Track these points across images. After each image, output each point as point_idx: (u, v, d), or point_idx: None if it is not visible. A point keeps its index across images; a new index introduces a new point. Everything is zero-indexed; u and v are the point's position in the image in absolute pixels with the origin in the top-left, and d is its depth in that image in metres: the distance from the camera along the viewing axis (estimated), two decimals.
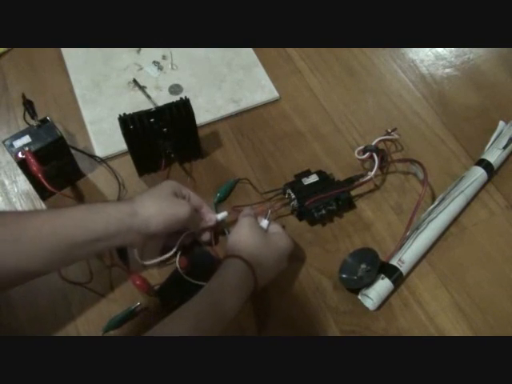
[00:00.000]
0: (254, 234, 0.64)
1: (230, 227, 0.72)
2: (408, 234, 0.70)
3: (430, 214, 0.72)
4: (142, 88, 0.87)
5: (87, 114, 0.84)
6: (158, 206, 0.62)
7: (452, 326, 0.65)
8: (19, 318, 0.65)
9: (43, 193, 0.74)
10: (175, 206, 0.63)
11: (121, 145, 0.75)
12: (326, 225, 0.74)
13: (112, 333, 0.63)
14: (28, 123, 0.72)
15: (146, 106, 0.81)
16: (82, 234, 0.57)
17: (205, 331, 0.55)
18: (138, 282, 0.66)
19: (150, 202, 0.62)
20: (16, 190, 0.77)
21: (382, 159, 0.75)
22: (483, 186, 0.76)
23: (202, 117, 0.82)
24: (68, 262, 0.61)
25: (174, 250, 0.67)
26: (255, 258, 0.61)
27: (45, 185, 0.68)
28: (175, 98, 0.73)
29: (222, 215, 0.71)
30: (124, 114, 0.70)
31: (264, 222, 0.67)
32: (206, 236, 0.70)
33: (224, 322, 0.57)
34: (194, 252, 0.69)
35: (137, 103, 0.84)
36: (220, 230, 0.72)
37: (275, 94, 0.87)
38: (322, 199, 0.71)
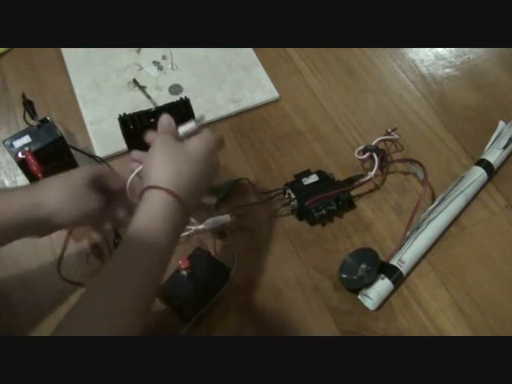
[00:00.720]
0: (171, 153, 0.55)
1: (231, 228, 0.72)
2: (408, 234, 0.70)
3: (429, 214, 0.72)
4: (142, 88, 0.87)
5: (87, 114, 0.84)
6: (66, 199, 0.56)
7: (452, 326, 0.65)
8: (19, 319, 0.65)
9: None
10: (84, 202, 0.57)
11: (121, 145, 0.75)
12: (326, 225, 0.74)
13: None
14: (28, 123, 0.72)
15: (146, 106, 0.81)
16: None
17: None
18: None
19: (58, 193, 0.56)
20: None
21: (382, 159, 0.76)
22: (483, 186, 0.76)
23: None
24: None
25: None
26: (180, 184, 0.53)
27: None
28: (175, 98, 0.73)
29: (223, 218, 0.71)
30: (124, 113, 0.70)
31: (182, 129, 0.59)
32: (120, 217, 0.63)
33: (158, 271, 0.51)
34: (195, 253, 0.69)
35: (137, 103, 0.84)
36: (220, 230, 0.72)
37: (275, 94, 0.87)
38: (322, 199, 0.71)
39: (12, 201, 0.55)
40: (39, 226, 0.57)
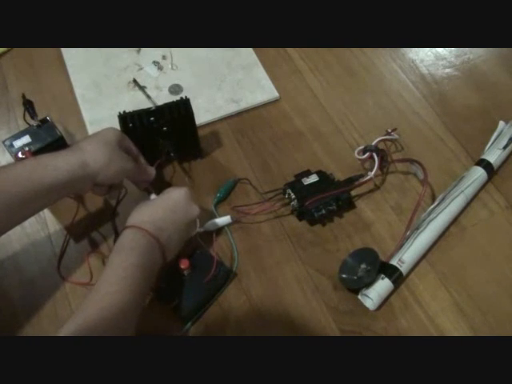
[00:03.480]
0: (145, 202, 0.65)
1: (231, 228, 0.72)
2: (408, 233, 0.70)
3: (430, 214, 0.72)
4: (142, 88, 0.87)
5: (87, 114, 0.84)
6: (107, 158, 0.63)
7: (452, 326, 0.65)
8: (19, 318, 0.65)
9: None
10: (122, 160, 0.65)
11: None
12: (326, 225, 0.74)
13: None
14: (28, 123, 0.72)
15: (145, 105, 0.80)
16: (32, 189, 0.58)
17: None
18: None
19: (99, 152, 0.62)
20: None
21: (382, 159, 0.75)
22: (483, 186, 0.76)
23: (202, 117, 0.82)
24: (25, 217, 0.62)
25: (199, 229, 0.68)
26: (157, 222, 0.61)
27: None
28: (175, 98, 0.73)
29: (224, 220, 0.72)
30: (124, 111, 0.70)
31: (152, 196, 0.70)
32: (143, 185, 0.72)
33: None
34: (195, 253, 0.69)
35: (137, 103, 0.84)
36: (220, 230, 0.72)
37: (275, 94, 0.87)
38: (322, 199, 0.71)
39: (62, 159, 0.60)
40: (85, 184, 0.63)
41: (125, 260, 0.57)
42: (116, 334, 0.52)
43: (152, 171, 0.71)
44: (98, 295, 0.54)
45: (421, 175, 0.75)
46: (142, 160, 0.71)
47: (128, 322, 0.54)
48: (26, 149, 0.68)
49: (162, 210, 0.63)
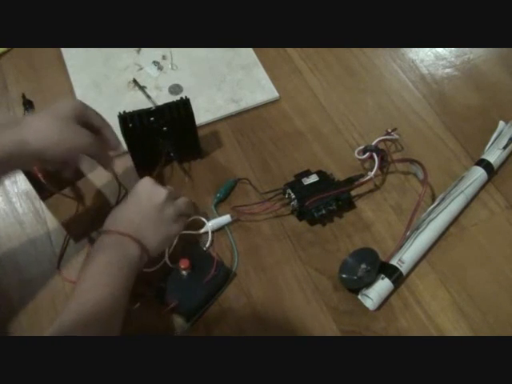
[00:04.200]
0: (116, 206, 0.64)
1: (231, 228, 0.72)
2: (408, 233, 0.70)
3: (430, 214, 0.72)
4: (142, 88, 0.87)
5: None
6: (56, 134, 0.56)
7: (452, 326, 0.65)
8: (19, 319, 0.65)
9: (43, 193, 0.74)
10: (76, 136, 0.58)
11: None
12: (326, 225, 0.74)
13: None
14: None
15: (145, 106, 0.80)
16: None
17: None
18: None
19: (47, 129, 0.56)
20: (16, 189, 0.77)
21: (382, 159, 0.75)
22: (483, 186, 0.76)
23: (202, 117, 0.82)
24: None
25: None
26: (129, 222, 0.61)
27: (45, 185, 0.68)
28: (175, 98, 0.73)
29: (224, 219, 0.72)
30: (124, 111, 0.70)
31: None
32: (111, 166, 0.67)
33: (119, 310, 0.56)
34: (194, 253, 0.69)
35: (137, 103, 0.84)
36: (220, 230, 0.72)
37: (275, 94, 0.87)
38: (322, 199, 0.71)
39: None
40: (26, 162, 0.58)
41: (96, 259, 0.58)
42: (99, 329, 0.52)
43: (118, 145, 0.65)
44: (74, 296, 0.55)
45: (421, 175, 0.75)
46: (108, 133, 0.64)
47: (111, 316, 0.55)
48: None
49: (129, 207, 0.63)
